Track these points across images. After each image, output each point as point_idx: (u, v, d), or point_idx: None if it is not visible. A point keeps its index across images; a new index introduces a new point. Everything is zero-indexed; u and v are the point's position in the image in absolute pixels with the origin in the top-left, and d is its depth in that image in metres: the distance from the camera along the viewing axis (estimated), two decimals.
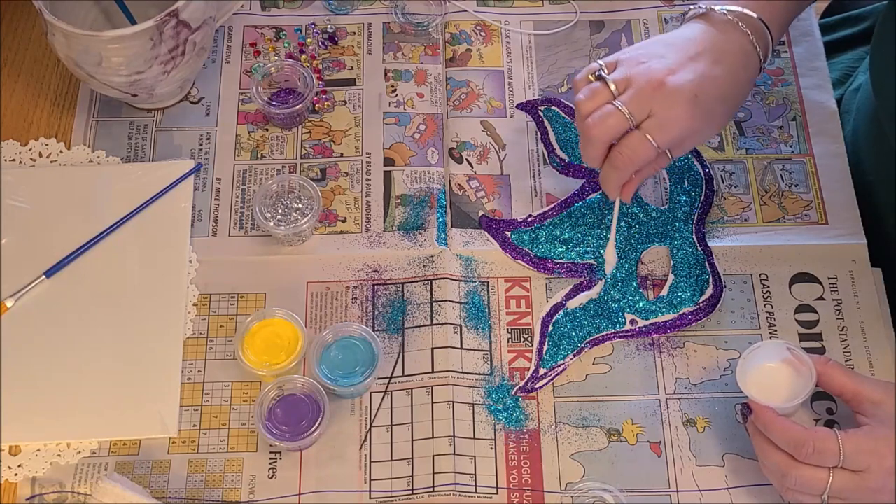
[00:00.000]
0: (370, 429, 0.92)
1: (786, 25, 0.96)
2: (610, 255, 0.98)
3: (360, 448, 0.91)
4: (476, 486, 0.90)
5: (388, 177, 1.04)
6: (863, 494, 0.80)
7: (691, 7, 0.93)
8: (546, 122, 1.07)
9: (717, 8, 0.91)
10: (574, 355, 0.95)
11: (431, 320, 0.96)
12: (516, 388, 0.94)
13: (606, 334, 0.96)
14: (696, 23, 0.92)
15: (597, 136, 0.88)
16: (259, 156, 1.05)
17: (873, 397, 0.83)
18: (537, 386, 0.94)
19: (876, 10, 1.18)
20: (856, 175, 1.04)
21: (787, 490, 0.82)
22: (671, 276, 0.98)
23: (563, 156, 1.04)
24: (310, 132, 1.07)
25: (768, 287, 0.98)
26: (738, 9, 0.91)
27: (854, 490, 0.80)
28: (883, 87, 0.95)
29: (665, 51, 0.90)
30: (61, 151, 1.05)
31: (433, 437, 0.91)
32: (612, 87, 0.88)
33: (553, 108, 1.07)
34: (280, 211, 0.99)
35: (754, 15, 0.91)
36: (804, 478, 0.80)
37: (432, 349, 0.95)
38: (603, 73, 0.89)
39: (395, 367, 0.95)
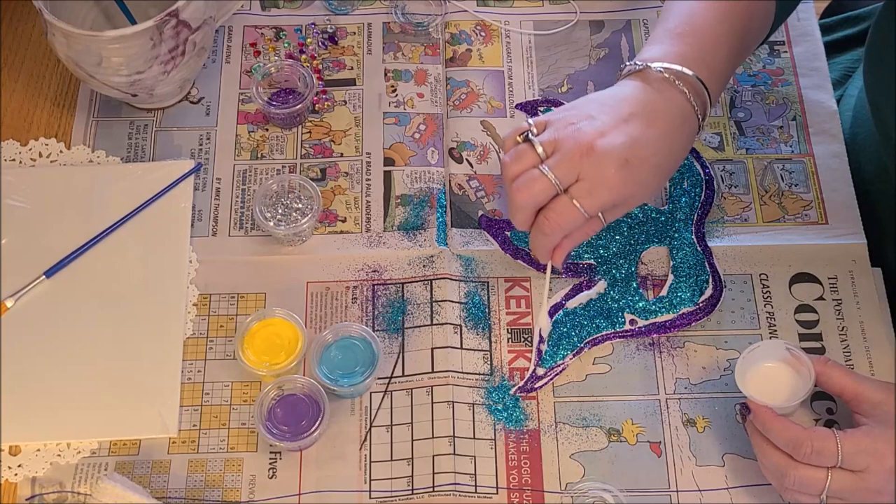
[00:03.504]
0: (370, 429, 0.92)
1: (724, 83, 0.93)
2: (543, 321, 0.95)
3: (360, 448, 0.91)
4: (476, 486, 0.90)
5: (388, 177, 1.04)
6: (862, 494, 0.80)
7: (627, 64, 0.90)
8: None
9: (653, 66, 0.87)
10: (574, 355, 0.95)
11: (431, 320, 0.96)
12: (516, 387, 0.94)
13: (606, 334, 0.96)
14: (631, 80, 0.88)
15: (523, 201, 0.85)
16: (259, 156, 1.05)
17: (873, 397, 0.83)
18: (537, 386, 0.94)
19: (875, 11, 1.18)
20: (855, 175, 1.04)
21: (787, 490, 0.83)
22: (671, 277, 0.98)
23: None
24: (310, 132, 1.07)
25: (768, 287, 0.98)
26: (676, 67, 0.87)
27: (853, 490, 0.80)
28: (878, 99, 0.95)
29: (597, 111, 0.86)
30: (61, 151, 1.05)
31: (433, 437, 0.91)
32: (539, 149, 0.85)
33: (553, 108, 1.07)
34: (280, 211, 0.99)
35: (691, 73, 0.87)
36: (803, 478, 0.81)
37: (432, 349, 0.95)
38: (531, 135, 0.86)
39: (395, 367, 0.95)
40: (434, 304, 0.97)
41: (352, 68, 1.10)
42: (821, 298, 0.98)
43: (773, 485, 0.85)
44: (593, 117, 0.86)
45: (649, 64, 0.88)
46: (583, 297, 0.97)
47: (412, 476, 0.90)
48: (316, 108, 1.08)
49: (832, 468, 0.80)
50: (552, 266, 0.92)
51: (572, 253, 0.99)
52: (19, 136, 1.06)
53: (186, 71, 1.02)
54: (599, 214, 0.87)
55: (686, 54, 0.88)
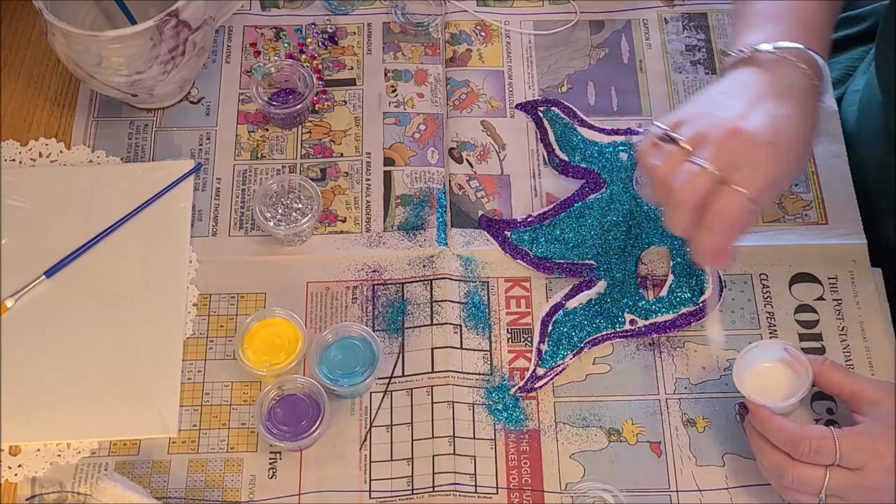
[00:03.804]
0: (370, 429, 0.92)
1: (828, 44, 0.91)
2: (714, 331, 0.92)
3: (360, 448, 0.91)
4: (476, 486, 0.90)
5: (388, 177, 1.04)
6: (861, 493, 0.80)
7: (731, 53, 0.88)
8: (546, 122, 1.07)
9: (761, 48, 0.85)
10: (574, 355, 0.95)
11: (431, 320, 0.96)
12: (516, 387, 0.94)
13: (606, 334, 0.96)
14: (743, 68, 0.86)
15: (683, 199, 0.80)
16: (259, 156, 1.05)
17: (871, 396, 0.83)
18: (537, 386, 0.94)
19: (876, 10, 1.18)
20: (856, 175, 1.04)
21: (786, 489, 0.83)
22: (671, 277, 0.98)
23: (563, 156, 1.04)
24: (310, 132, 1.07)
25: (768, 287, 0.98)
26: (784, 44, 0.85)
27: (851, 488, 0.80)
28: (889, 84, 0.95)
29: (726, 100, 0.83)
30: (61, 151, 1.05)
31: (433, 437, 0.91)
32: (686, 145, 0.80)
33: (552, 108, 1.07)
34: (280, 211, 0.99)
35: (800, 46, 0.85)
36: (801, 476, 0.81)
37: (432, 349, 0.95)
38: (671, 133, 0.82)
39: (395, 367, 0.95)
40: (434, 304, 0.97)
41: (352, 68, 1.10)
42: (821, 298, 0.98)
43: (772, 484, 0.85)
44: (725, 105, 0.83)
45: (756, 48, 0.86)
46: (583, 297, 0.97)
47: (412, 476, 0.90)
48: (316, 108, 1.08)
49: (830, 466, 0.80)
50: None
51: (572, 253, 0.99)
52: (19, 136, 1.06)
53: (186, 71, 1.02)
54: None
55: (788, 32, 0.87)
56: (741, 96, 0.83)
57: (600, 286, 0.98)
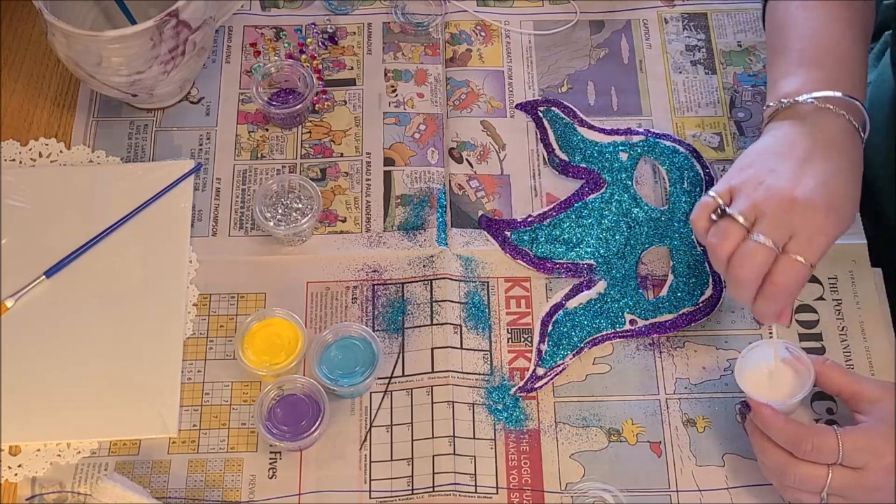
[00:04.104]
0: (370, 429, 0.92)
1: (865, 80, 0.92)
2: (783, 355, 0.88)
3: (360, 448, 0.91)
4: (476, 486, 0.90)
5: (388, 177, 1.04)
6: (861, 492, 0.80)
7: (771, 104, 0.88)
8: (545, 122, 1.07)
9: (800, 99, 0.86)
10: (574, 355, 0.95)
11: (431, 320, 0.96)
12: (516, 387, 0.94)
13: (606, 334, 0.96)
14: (786, 122, 0.87)
15: (748, 276, 0.82)
16: (259, 156, 1.05)
17: (871, 396, 0.83)
18: (537, 386, 0.94)
19: (882, 9, 1.18)
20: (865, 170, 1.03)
21: (787, 488, 0.82)
22: (671, 277, 0.98)
23: (563, 156, 1.04)
24: (310, 132, 1.07)
25: None
26: (825, 94, 0.86)
27: (853, 487, 0.80)
28: None
29: (774, 162, 0.84)
30: (61, 151, 1.05)
31: (433, 437, 0.91)
32: (741, 219, 0.82)
33: (552, 108, 1.07)
34: (280, 211, 0.99)
35: (840, 95, 0.86)
36: (803, 475, 0.80)
37: (432, 349, 0.95)
38: (725, 209, 0.84)
39: (395, 367, 0.95)
40: (434, 304, 0.97)
41: (352, 68, 1.10)
42: (821, 298, 0.98)
43: (774, 483, 0.85)
44: (775, 170, 0.84)
45: (796, 99, 0.87)
46: (583, 297, 0.97)
47: (412, 476, 0.90)
48: (316, 108, 1.08)
49: (832, 465, 0.80)
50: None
51: (572, 253, 0.99)
52: (19, 136, 1.06)
53: (186, 71, 1.02)
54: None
55: (828, 78, 0.88)
56: (789, 157, 0.84)
57: (600, 286, 0.98)
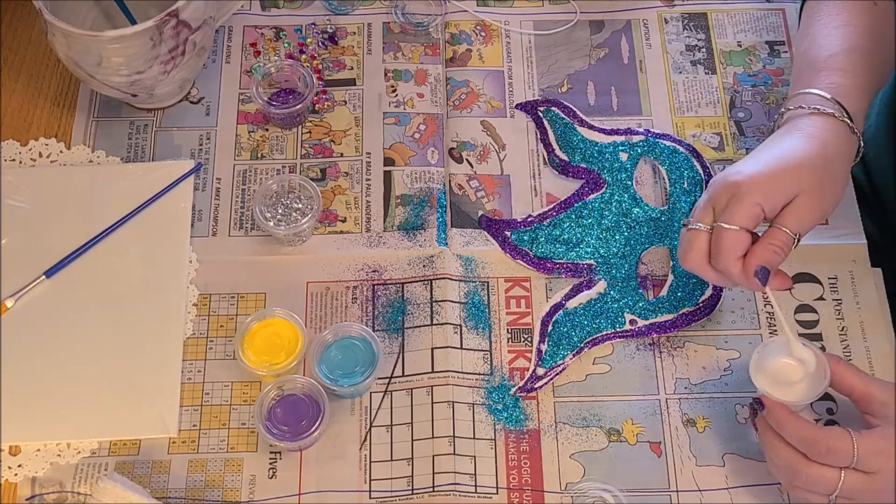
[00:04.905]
0: (370, 429, 0.92)
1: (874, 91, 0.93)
2: (802, 352, 0.86)
3: (360, 448, 0.91)
4: (476, 486, 0.90)
5: (388, 177, 1.04)
6: (871, 496, 0.79)
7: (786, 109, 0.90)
8: (546, 122, 1.07)
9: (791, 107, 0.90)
10: (574, 355, 0.95)
11: (431, 320, 0.96)
12: (516, 387, 0.94)
13: (606, 334, 0.96)
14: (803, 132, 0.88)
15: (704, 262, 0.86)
16: (259, 156, 1.05)
17: (884, 398, 0.82)
18: (537, 386, 0.94)
19: None
20: (866, 174, 1.03)
21: (796, 488, 0.82)
22: (671, 277, 0.98)
23: (563, 156, 1.04)
24: (310, 132, 1.07)
25: None
26: (827, 105, 0.88)
27: (863, 491, 0.79)
28: None
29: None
30: (61, 151, 1.05)
31: (433, 437, 0.91)
32: (700, 226, 0.86)
33: (552, 108, 1.07)
34: (280, 211, 0.99)
35: (836, 110, 0.88)
36: (815, 476, 0.80)
37: (432, 349, 0.95)
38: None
39: (395, 367, 0.95)
40: (434, 304, 0.97)
41: (352, 68, 1.10)
42: (821, 298, 0.98)
43: (782, 482, 0.84)
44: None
45: (788, 107, 0.90)
46: (583, 297, 0.97)
47: (412, 476, 0.90)
48: (316, 108, 1.08)
49: (845, 468, 0.79)
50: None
51: (572, 253, 0.99)
52: (19, 136, 1.06)
53: (186, 71, 1.02)
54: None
55: (840, 84, 0.89)
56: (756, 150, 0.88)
57: (600, 286, 0.98)
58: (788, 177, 0.84)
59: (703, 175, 1.03)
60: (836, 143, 0.86)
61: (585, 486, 0.90)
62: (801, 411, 0.86)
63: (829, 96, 0.87)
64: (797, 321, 0.97)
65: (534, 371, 0.94)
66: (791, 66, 1.10)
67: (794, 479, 0.81)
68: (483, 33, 1.12)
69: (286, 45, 1.11)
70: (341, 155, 1.05)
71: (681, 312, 0.96)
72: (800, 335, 0.96)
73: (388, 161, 1.05)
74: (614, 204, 1.02)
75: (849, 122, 0.87)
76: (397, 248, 1.00)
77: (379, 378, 0.94)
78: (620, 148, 1.05)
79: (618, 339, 0.96)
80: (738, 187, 0.84)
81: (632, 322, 0.96)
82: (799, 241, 0.85)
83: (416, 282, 0.98)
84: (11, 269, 0.97)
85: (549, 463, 0.91)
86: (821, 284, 0.98)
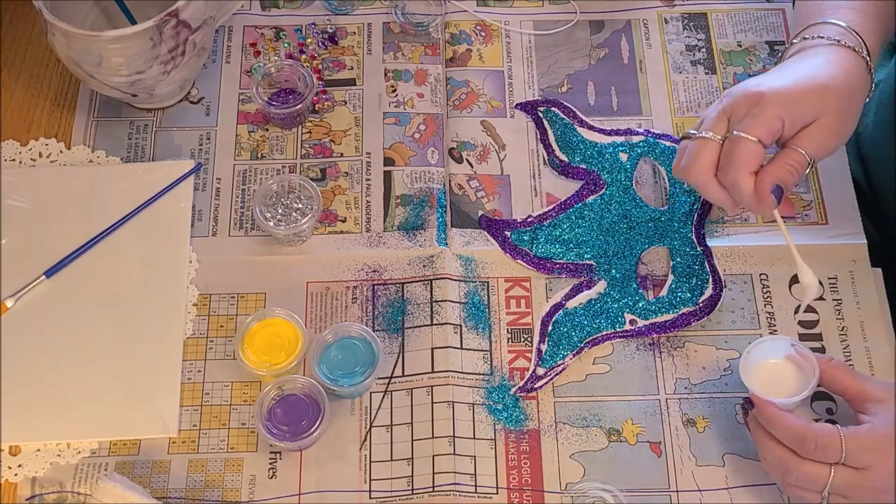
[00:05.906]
0: (370, 429, 0.92)
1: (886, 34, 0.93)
2: (808, 277, 0.88)
3: (360, 448, 0.91)
4: (476, 486, 0.90)
5: (388, 177, 1.04)
6: (864, 492, 0.80)
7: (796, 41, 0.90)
8: (546, 122, 1.07)
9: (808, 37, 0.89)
10: (574, 355, 0.95)
11: (431, 320, 0.96)
12: (516, 387, 0.94)
13: (606, 334, 0.96)
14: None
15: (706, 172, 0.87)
16: (259, 156, 1.05)
17: (877, 396, 0.83)
18: (537, 386, 0.94)
19: None
20: (865, 174, 1.03)
21: (789, 486, 0.82)
22: (671, 277, 0.98)
23: (563, 157, 1.04)
24: (310, 132, 1.07)
25: (768, 287, 0.98)
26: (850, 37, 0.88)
27: (855, 487, 0.80)
28: None
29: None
30: (61, 151, 1.05)
31: (433, 437, 0.91)
32: (710, 135, 0.85)
33: (552, 108, 1.07)
34: (280, 211, 0.99)
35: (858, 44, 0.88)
36: (806, 473, 0.80)
37: (432, 349, 0.95)
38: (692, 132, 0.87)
39: (395, 367, 0.95)
40: (434, 304, 0.97)
41: (352, 68, 1.10)
42: (821, 298, 0.98)
43: (776, 480, 0.85)
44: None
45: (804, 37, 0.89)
46: (583, 297, 0.97)
47: (412, 476, 0.90)
48: (316, 108, 1.08)
49: (835, 464, 0.80)
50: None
51: (572, 253, 0.99)
52: (19, 136, 1.06)
53: (186, 71, 1.02)
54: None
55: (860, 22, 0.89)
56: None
57: (600, 286, 0.98)
58: (814, 97, 0.83)
59: None
60: (857, 75, 0.86)
61: (585, 486, 0.90)
62: (795, 411, 0.87)
63: (851, 28, 0.87)
64: (797, 321, 0.97)
65: (534, 371, 0.94)
66: None
67: (786, 476, 0.82)
68: (483, 33, 1.13)
69: (286, 45, 1.11)
70: (341, 155, 1.05)
71: (681, 312, 0.97)
72: (800, 335, 0.96)
73: (388, 161, 1.05)
74: (614, 205, 1.02)
75: (867, 58, 0.86)
76: (397, 248, 1.00)
77: (379, 378, 0.94)
78: (620, 148, 1.05)
79: (618, 339, 0.96)
80: (762, 97, 0.83)
81: (632, 322, 0.96)
82: (812, 166, 0.84)
83: (416, 282, 0.98)
84: (11, 269, 0.97)
85: (549, 463, 0.91)
86: (821, 284, 0.98)
